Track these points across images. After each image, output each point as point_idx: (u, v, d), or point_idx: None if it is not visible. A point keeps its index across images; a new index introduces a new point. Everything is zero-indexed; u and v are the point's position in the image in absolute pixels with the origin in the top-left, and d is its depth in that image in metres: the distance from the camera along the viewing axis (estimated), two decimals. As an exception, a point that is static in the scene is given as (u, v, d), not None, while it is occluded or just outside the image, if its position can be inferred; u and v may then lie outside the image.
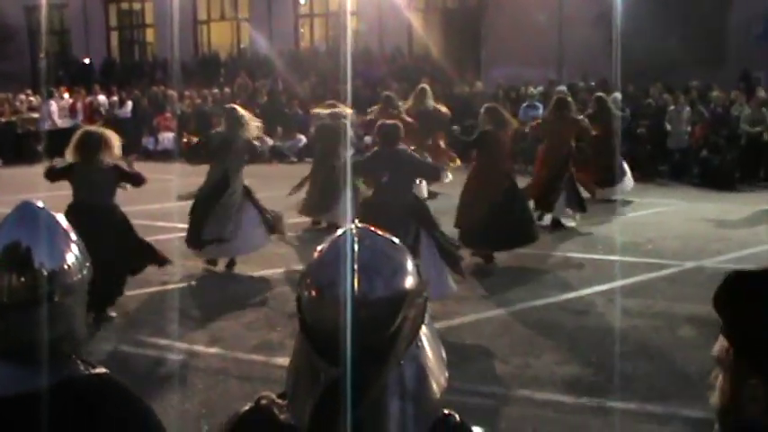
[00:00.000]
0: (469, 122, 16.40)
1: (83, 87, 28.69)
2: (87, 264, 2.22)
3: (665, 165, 20.61)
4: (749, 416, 1.67)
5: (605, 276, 10.52)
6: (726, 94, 21.04)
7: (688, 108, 20.40)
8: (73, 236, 2.23)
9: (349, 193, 11.38)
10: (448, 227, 11.03)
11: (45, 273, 2.12)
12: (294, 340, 1.86)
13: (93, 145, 8.84)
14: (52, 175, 9.09)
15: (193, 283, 10.60)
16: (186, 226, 11.03)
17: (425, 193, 15.38)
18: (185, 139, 13.09)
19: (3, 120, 26.37)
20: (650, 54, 22.10)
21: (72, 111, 27.45)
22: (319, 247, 1.87)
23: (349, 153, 13.38)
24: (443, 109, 17.18)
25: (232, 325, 8.91)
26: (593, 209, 14.99)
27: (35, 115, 26.82)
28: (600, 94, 17.51)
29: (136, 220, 11.13)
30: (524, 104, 22.26)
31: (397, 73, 26.93)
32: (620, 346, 8.02)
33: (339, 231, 1.87)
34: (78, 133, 9.23)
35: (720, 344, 1.73)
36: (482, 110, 11.76)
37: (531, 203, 12.81)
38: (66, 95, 28.39)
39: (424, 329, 1.81)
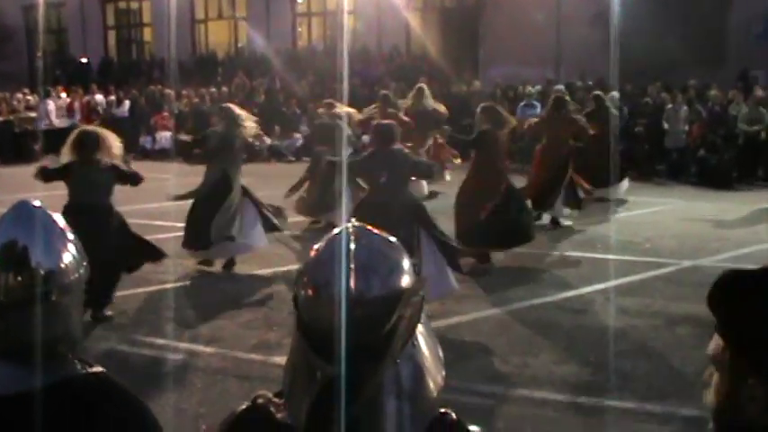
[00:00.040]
0: (467, 121, 16.42)
1: (80, 87, 28.68)
2: (84, 263, 2.22)
3: (662, 164, 20.61)
4: (747, 415, 1.67)
5: (603, 275, 10.52)
6: (723, 93, 21.05)
7: (686, 107, 20.42)
8: (70, 235, 2.23)
9: (346, 193, 11.36)
10: (447, 226, 11.03)
11: (42, 272, 2.11)
12: (291, 339, 1.86)
13: (90, 144, 8.82)
14: (46, 176, 9.04)
15: (191, 282, 10.59)
16: (182, 225, 11.02)
17: (425, 191, 15.42)
18: (184, 137, 13.10)
19: (0, 119, 26.35)
20: (649, 53, 22.12)
21: (69, 110, 27.45)
22: (316, 246, 1.87)
23: (345, 152, 13.37)
24: (442, 108, 17.20)
25: (230, 324, 8.91)
26: (591, 208, 15.00)
27: (32, 114, 26.83)
28: (598, 92, 17.51)
29: (133, 219, 11.13)
30: (522, 104, 22.27)
31: (394, 72, 26.93)
32: (619, 345, 8.02)
33: (335, 230, 1.87)
34: (75, 132, 9.20)
35: (715, 343, 1.73)
36: (479, 109, 11.76)
37: (529, 203, 12.78)
38: (64, 95, 28.38)
39: (420, 328, 1.81)
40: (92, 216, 8.30)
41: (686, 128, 20.30)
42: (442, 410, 1.83)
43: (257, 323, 8.90)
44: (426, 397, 1.79)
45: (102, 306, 8.79)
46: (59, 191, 8.89)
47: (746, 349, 1.66)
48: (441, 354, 1.87)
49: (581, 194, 14.24)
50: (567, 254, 11.94)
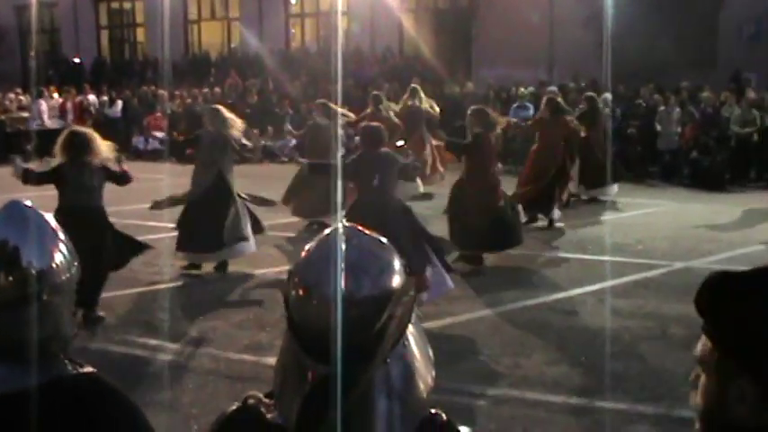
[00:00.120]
0: (459, 123, 16.42)
1: (73, 87, 28.61)
2: (75, 263, 2.22)
3: (655, 165, 20.65)
4: (735, 416, 1.67)
5: (595, 277, 10.54)
6: (716, 95, 21.09)
7: (678, 109, 20.45)
8: (61, 235, 2.23)
9: (339, 194, 11.36)
10: (441, 227, 11.06)
11: (33, 272, 2.11)
12: (282, 339, 1.86)
13: (80, 144, 8.76)
14: (33, 180, 8.98)
15: (183, 283, 10.57)
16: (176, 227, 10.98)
17: (421, 190, 15.44)
18: (176, 138, 13.10)
19: (-8, 118, 26.33)
20: (642, 55, 22.16)
21: (62, 110, 27.39)
22: (307, 247, 1.87)
23: (339, 153, 13.37)
24: (435, 109, 17.26)
25: (222, 325, 8.90)
26: (583, 209, 15.05)
27: (25, 114, 26.77)
28: (590, 93, 17.53)
29: (126, 219, 11.15)
30: (515, 105, 22.28)
31: (387, 73, 26.94)
32: (611, 347, 8.03)
33: (326, 231, 1.88)
34: (65, 133, 9.13)
35: (703, 344, 1.73)
36: (469, 111, 11.76)
37: (520, 206, 12.81)
38: (56, 95, 28.34)
39: (411, 329, 1.82)
40: (85, 219, 8.28)
41: (679, 130, 20.34)
42: (433, 411, 1.84)
43: (249, 324, 8.89)
44: (416, 397, 1.79)
45: (91, 306, 8.75)
46: (50, 191, 8.85)
47: (734, 350, 1.67)
48: (431, 354, 1.87)
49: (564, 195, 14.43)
50: (560, 255, 11.95)
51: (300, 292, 1.80)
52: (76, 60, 33.58)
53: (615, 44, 19.46)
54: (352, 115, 15.80)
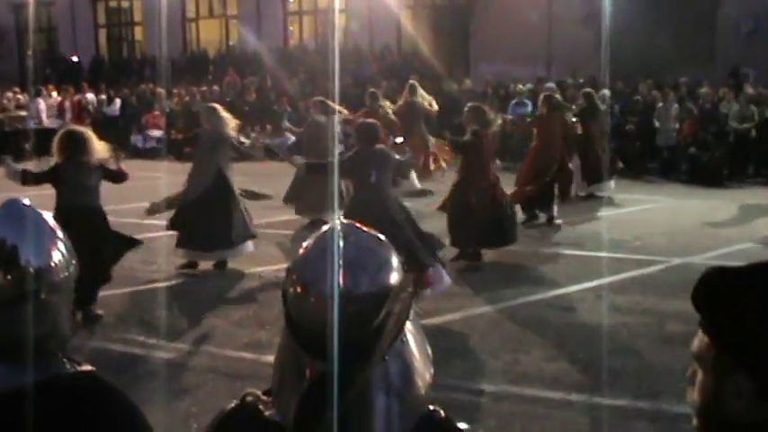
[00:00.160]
0: (458, 120, 16.42)
1: (71, 85, 28.60)
2: (73, 261, 2.22)
3: (653, 162, 20.65)
4: (732, 412, 1.67)
5: (594, 273, 10.54)
6: (714, 90, 21.09)
7: (676, 105, 20.46)
8: (59, 233, 2.22)
9: (336, 191, 11.37)
10: (439, 224, 11.07)
11: (31, 270, 2.11)
12: (280, 337, 1.87)
13: (77, 144, 8.75)
14: (32, 180, 8.97)
15: (182, 281, 10.57)
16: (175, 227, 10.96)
17: (417, 186, 15.42)
18: (174, 137, 13.10)
19: (-9, 118, 26.32)
20: (640, 52, 22.17)
21: (60, 109, 27.37)
22: (305, 244, 1.87)
23: (337, 151, 13.37)
24: (433, 106, 17.26)
25: (221, 323, 8.91)
26: (582, 206, 15.05)
27: (23, 113, 26.75)
28: (588, 89, 17.52)
29: (124, 218, 11.14)
30: (513, 102, 22.29)
31: (386, 70, 26.93)
32: (609, 343, 8.04)
33: (324, 228, 1.88)
34: (61, 133, 9.10)
35: (699, 339, 1.73)
36: (466, 108, 11.76)
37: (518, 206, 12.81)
38: (54, 94, 28.31)
39: (409, 326, 1.82)
40: (84, 218, 8.28)
41: (677, 126, 20.34)
42: (431, 408, 1.84)
43: (248, 322, 8.89)
44: (415, 394, 1.80)
45: (89, 304, 8.73)
46: (49, 190, 8.84)
47: (731, 346, 1.67)
48: (429, 351, 1.88)
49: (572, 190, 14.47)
50: (558, 252, 11.95)
51: (298, 290, 1.80)
52: (74, 59, 33.56)
53: (613, 41, 19.46)
54: (345, 112, 15.79)
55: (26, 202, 2.24)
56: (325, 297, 1.74)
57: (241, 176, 11.45)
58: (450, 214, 11.27)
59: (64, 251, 2.20)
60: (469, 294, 9.81)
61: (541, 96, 15.02)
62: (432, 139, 16.94)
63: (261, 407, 1.85)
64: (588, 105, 16.22)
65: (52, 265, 2.15)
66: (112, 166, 9.22)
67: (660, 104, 20.63)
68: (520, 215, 12.98)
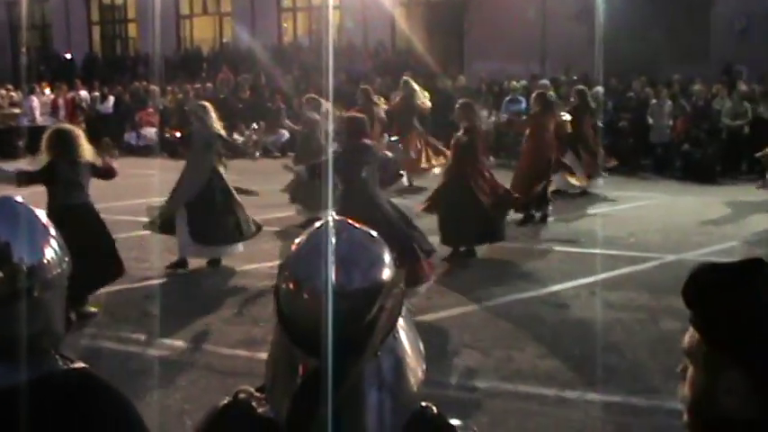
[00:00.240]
0: (452, 117, 16.47)
1: (64, 83, 28.54)
2: (66, 259, 2.21)
3: (647, 158, 20.68)
4: (725, 409, 1.67)
5: (588, 270, 10.55)
6: (707, 87, 21.12)
7: (670, 102, 20.47)
8: (52, 231, 2.22)
9: (331, 188, 11.36)
10: (428, 220, 11.08)
11: (24, 267, 2.10)
12: (273, 333, 1.87)
13: (69, 141, 8.72)
14: (26, 181, 8.91)
15: (175, 278, 10.56)
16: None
17: (405, 183, 15.42)
18: (169, 135, 13.09)
19: (-17, 115, 26.25)
20: (634, 48, 22.19)
21: (54, 106, 27.33)
22: (297, 240, 1.88)
23: (331, 148, 13.35)
24: (424, 104, 17.28)
25: (214, 320, 8.90)
26: (575, 202, 15.05)
27: (16, 110, 26.70)
28: (580, 87, 17.51)
29: (118, 215, 11.11)
30: (507, 99, 22.31)
31: (380, 67, 26.92)
32: (604, 339, 8.06)
33: (316, 224, 1.88)
34: (51, 131, 9.05)
35: (690, 336, 1.74)
36: (457, 105, 11.76)
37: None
38: (48, 91, 28.26)
39: (401, 322, 1.82)
40: (78, 216, 8.27)
41: (670, 122, 20.35)
42: (423, 404, 1.85)
43: (242, 319, 8.89)
44: (407, 390, 1.80)
45: (81, 302, 8.70)
46: (40, 187, 8.80)
47: (723, 342, 1.67)
48: (421, 348, 1.88)
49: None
50: (552, 248, 11.96)
51: (291, 286, 1.80)
52: (68, 56, 33.49)
53: (607, 37, 19.49)
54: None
55: (19, 199, 2.23)
56: (318, 293, 1.74)
57: (236, 175, 11.44)
58: (441, 214, 11.22)
59: (57, 248, 2.19)
60: (463, 291, 9.81)
61: (534, 94, 15.00)
62: (428, 139, 17.02)
63: (254, 403, 1.85)
64: (580, 102, 16.22)
65: (45, 262, 2.15)
66: (99, 163, 9.20)
67: (653, 101, 20.65)
68: (516, 215, 12.96)
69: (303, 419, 1.70)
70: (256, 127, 24.84)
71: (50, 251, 2.17)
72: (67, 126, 9.75)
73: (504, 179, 12.46)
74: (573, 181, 15.66)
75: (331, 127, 13.70)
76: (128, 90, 28.24)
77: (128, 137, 26.03)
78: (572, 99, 16.84)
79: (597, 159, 16.16)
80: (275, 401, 1.80)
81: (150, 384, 7.07)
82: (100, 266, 8.66)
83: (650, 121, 20.48)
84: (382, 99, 18.12)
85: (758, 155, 14.39)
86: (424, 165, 16.65)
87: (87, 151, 8.86)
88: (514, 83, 23.16)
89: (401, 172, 12.07)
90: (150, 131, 25.64)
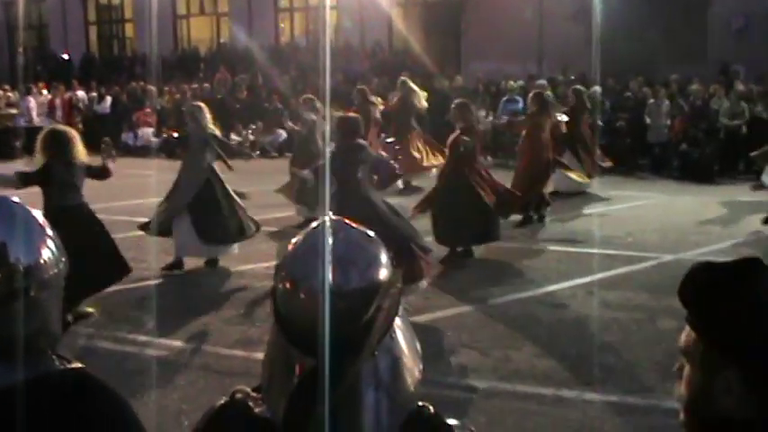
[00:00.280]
0: (449, 117, 16.49)
1: (62, 83, 28.52)
2: (63, 259, 2.21)
3: (644, 158, 20.69)
4: (722, 408, 1.67)
5: (585, 269, 10.55)
6: (705, 87, 21.13)
7: (667, 102, 20.48)
8: (49, 231, 2.21)
9: (328, 189, 11.36)
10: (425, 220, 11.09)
11: (21, 267, 2.10)
12: (269, 333, 1.87)
13: (64, 142, 8.69)
14: (24, 182, 8.88)
15: (172, 278, 10.55)
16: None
17: (400, 185, 15.41)
18: (166, 135, 13.08)
19: (-19, 116, 26.23)
20: (631, 48, 22.20)
21: (51, 107, 27.31)
22: (294, 240, 1.87)
23: (328, 148, 13.36)
24: (420, 103, 17.28)
25: (212, 320, 8.90)
26: (573, 202, 15.05)
27: (13, 111, 26.67)
28: (577, 87, 17.50)
29: (116, 216, 11.10)
30: (504, 99, 22.31)
31: (377, 67, 26.93)
32: (600, 339, 8.07)
33: (313, 224, 1.88)
34: (45, 132, 9.01)
35: (687, 335, 1.74)
36: (453, 106, 11.73)
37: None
38: (45, 91, 28.24)
39: (398, 322, 1.82)
40: (74, 217, 8.26)
41: (668, 122, 20.37)
42: (420, 404, 1.84)
43: (239, 319, 8.89)
44: (404, 390, 1.80)
45: (76, 303, 8.67)
46: (36, 188, 8.75)
47: (719, 341, 1.67)
48: (418, 347, 1.88)
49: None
50: (549, 248, 11.96)
51: (288, 286, 1.80)
52: (65, 56, 33.46)
53: (604, 37, 19.47)
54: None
55: (15, 199, 2.23)
56: (315, 293, 1.74)
57: (231, 174, 11.43)
58: (439, 214, 11.16)
59: (53, 248, 2.19)
60: (460, 291, 9.81)
61: (531, 94, 15.00)
62: (427, 138, 17.04)
63: (250, 403, 1.85)
64: (577, 102, 16.22)
65: (42, 262, 2.14)
66: (108, 162, 9.20)
67: (651, 101, 20.66)
68: (515, 216, 12.94)
69: (300, 419, 1.70)
70: (254, 127, 24.85)
71: (47, 251, 2.16)
72: (62, 127, 9.73)
73: (502, 179, 12.45)
74: (573, 176, 15.60)
75: (328, 127, 13.70)
76: (125, 90, 28.24)
77: (125, 137, 26.03)
78: (569, 99, 16.82)
79: (595, 159, 16.16)
80: (272, 401, 1.80)
81: (147, 384, 7.06)
82: (101, 267, 8.65)
83: (648, 120, 20.50)
84: (379, 99, 18.11)
85: (753, 154, 14.39)
86: (425, 163, 16.63)
87: (82, 152, 8.83)
88: (511, 83, 23.16)
89: (397, 172, 12.04)
90: (147, 132, 25.66)
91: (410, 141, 16.89)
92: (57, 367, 2.14)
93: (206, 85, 27.34)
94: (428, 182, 15.14)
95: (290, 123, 18.79)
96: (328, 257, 1.77)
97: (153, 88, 26.81)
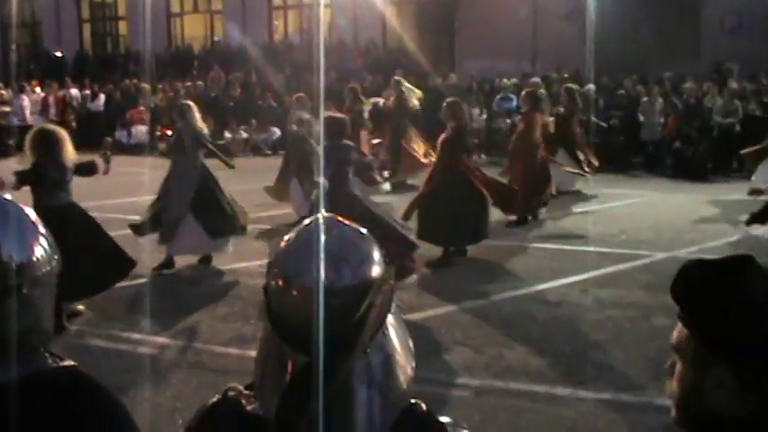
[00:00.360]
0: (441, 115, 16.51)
1: (55, 81, 28.45)
2: (56, 256, 2.21)
3: (638, 156, 20.71)
4: (713, 404, 1.68)
5: (579, 267, 10.57)
6: (698, 85, 21.16)
7: (661, 100, 20.51)
8: (41, 228, 2.21)
9: (322, 187, 11.36)
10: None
11: (13, 265, 2.09)
12: (262, 330, 1.87)
13: (52, 140, 8.64)
14: (20, 181, 8.84)
15: (166, 276, 10.54)
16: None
17: (388, 187, 15.38)
18: (160, 133, 13.07)
19: (-27, 114, 26.14)
20: (625, 46, 22.22)
21: (44, 105, 27.24)
22: (286, 237, 1.88)
23: (321, 147, 13.38)
24: (412, 102, 17.31)
25: (206, 318, 8.90)
26: (566, 200, 15.07)
27: (6, 109, 26.60)
28: (569, 85, 17.49)
29: (109, 214, 11.08)
30: (498, 97, 22.33)
31: (371, 65, 26.92)
32: (594, 337, 8.08)
33: (306, 221, 1.88)
34: (34, 131, 8.96)
35: (679, 331, 1.74)
36: (444, 104, 11.70)
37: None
38: (38, 89, 28.17)
39: (390, 319, 1.82)
40: (65, 216, 8.23)
41: (661, 120, 20.40)
42: (413, 401, 1.85)
43: (233, 317, 8.89)
44: (396, 387, 1.80)
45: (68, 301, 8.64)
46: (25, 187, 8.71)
47: (711, 338, 1.67)
48: (411, 345, 1.88)
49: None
50: (543, 246, 11.97)
51: (280, 283, 1.80)
52: (58, 54, 33.39)
53: (598, 35, 19.51)
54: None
55: (7, 196, 2.22)
56: (307, 290, 1.75)
57: (223, 171, 11.43)
58: (431, 214, 11.09)
59: (46, 246, 2.18)
60: (453, 289, 9.82)
61: (523, 93, 14.97)
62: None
63: (243, 401, 1.85)
64: (570, 102, 16.21)
65: (34, 259, 2.14)
66: (103, 161, 9.19)
67: (645, 99, 20.69)
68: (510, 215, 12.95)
69: (292, 416, 1.70)
70: (245, 127, 24.83)
71: (40, 249, 2.16)
72: (51, 126, 9.68)
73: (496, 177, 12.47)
74: (569, 169, 15.52)
75: (322, 125, 13.70)
76: (118, 88, 28.19)
77: (119, 135, 25.94)
78: (561, 97, 16.82)
79: (588, 156, 16.16)
80: (264, 399, 1.80)
81: (141, 383, 7.06)
82: (103, 267, 8.64)
83: (641, 118, 20.53)
84: (370, 100, 18.14)
85: (743, 152, 14.41)
86: (424, 160, 16.62)
87: (71, 152, 8.80)
88: (505, 81, 23.19)
89: (377, 178, 12.13)
90: (141, 130, 25.61)
91: (408, 141, 16.91)
92: (49, 365, 2.13)
93: (200, 82, 27.28)
94: (419, 180, 15.15)
95: (293, 126, 18.80)
96: (322, 255, 1.77)
97: (147, 86, 26.77)
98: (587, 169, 15.91)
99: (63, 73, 30.37)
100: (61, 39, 33.88)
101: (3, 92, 27.58)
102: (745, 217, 11.27)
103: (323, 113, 13.73)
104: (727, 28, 23.51)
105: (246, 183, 12.47)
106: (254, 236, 11.82)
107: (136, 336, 8.32)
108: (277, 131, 24.17)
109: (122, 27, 34.82)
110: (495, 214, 11.98)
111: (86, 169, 9.05)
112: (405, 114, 17.14)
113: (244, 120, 25.09)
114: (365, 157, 10.86)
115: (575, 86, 17.24)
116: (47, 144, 8.60)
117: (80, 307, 8.89)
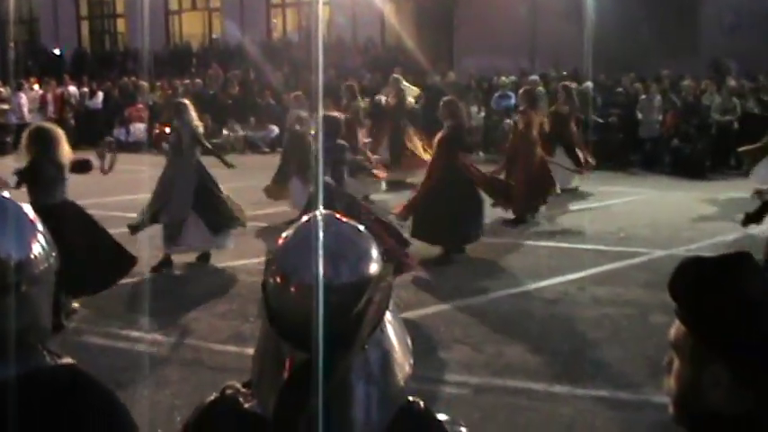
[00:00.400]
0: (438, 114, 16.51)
1: (53, 78, 28.40)
2: (53, 254, 2.20)
3: (636, 154, 20.71)
4: (710, 401, 1.68)
5: (577, 265, 10.57)
6: (696, 83, 21.17)
7: (659, 97, 20.51)
8: (39, 226, 2.21)
9: (321, 185, 11.36)
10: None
11: (11, 263, 2.09)
12: (260, 328, 1.87)
13: (47, 139, 8.62)
14: (19, 179, 8.82)
15: (165, 274, 10.54)
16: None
17: (384, 186, 15.37)
18: (158, 131, 13.04)
19: (-29, 111, 26.10)
20: (623, 44, 22.23)
21: (42, 102, 27.19)
22: (284, 234, 1.88)
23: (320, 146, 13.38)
24: (409, 102, 17.32)
25: (204, 316, 8.89)
26: (564, 198, 15.06)
27: (5, 107, 26.56)
28: (566, 83, 17.49)
29: (109, 211, 11.07)
30: (497, 94, 22.33)
31: (370, 63, 26.92)
32: (592, 334, 8.09)
33: (304, 218, 1.88)
34: (30, 130, 8.92)
35: (676, 329, 1.74)
36: (441, 103, 11.68)
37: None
38: (36, 87, 28.13)
39: (388, 316, 1.82)
40: (62, 215, 8.20)
41: (660, 118, 20.40)
42: (410, 399, 1.85)
43: (232, 314, 8.88)
44: (394, 383, 1.80)
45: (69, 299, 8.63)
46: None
47: (708, 336, 1.68)
48: (409, 342, 1.88)
49: None
50: (541, 244, 11.97)
51: (278, 280, 1.80)
52: (56, 51, 33.35)
53: (596, 33, 19.52)
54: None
55: (5, 194, 2.22)
56: (306, 287, 1.75)
57: (220, 169, 11.42)
58: (429, 212, 11.07)
59: (44, 243, 2.18)
60: (452, 287, 9.82)
61: (521, 91, 14.95)
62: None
63: (241, 399, 1.85)
64: (567, 99, 16.20)
65: (32, 257, 2.14)
66: (102, 160, 9.18)
67: (643, 97, 20.69)
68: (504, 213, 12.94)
69: (290, 414, 1.70)
70: (241, 125, 24.83)
71: (38, 246, 2.16)
72: (47, 125, 9.66)
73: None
74: (568, 165, 15.49)
75: (320, 123, 13.70)
76: (117, 86, 28.16)
77: (117, 133, 25.89)
78: (559, 95, 16.82)
79: (586, 155, 16.16)
80: (262, 396, 1.80)
81: (139, 380, 7.06)
82: (105, 266, 8.64)
83: (639, 116, 20.53)
84: (366, 99, 18.15)
85: (741, 149, 14.41)
86: (425, 156, 16.61)
87: (67, 150, 8.77)
88: (504, 78, 23.18)
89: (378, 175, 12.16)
90: (139, 127, 25.58)
91: (409, 138, 16.92)
92: (47, 363, 2.13)
93: (198, 80, 27.27)
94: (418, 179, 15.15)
95: (294, 125, 18.80)
96: (320, 252, 1.77)
97: (145, 84, 26.76)
98: (584, 167, 15.91)
99: (61, 70, 30.33)
100: (59, 36, 33.85)
101: (1, 89, 27.54)
102: (742, 214, 11.26)
103: (321, 111, 13.77)
104: (726, 26, 23.52)
105: (244, 180, 12.46)
106: (252, 233, 11.82)
107: (134, 333, 8.31)
108: (275, 129, 24.17)
109: (120, 24, 34.81)
110: (495, 212, 11.98)
111: (81, 167, 9.01)
112: (404, 112, 17.15)
113: (242, 117, 25.07)
114: (361, 155, 10.87)
115: (572, 84, 17.23)
116: (43, 142, 8.57)
117: (75, 305, 8.87)
